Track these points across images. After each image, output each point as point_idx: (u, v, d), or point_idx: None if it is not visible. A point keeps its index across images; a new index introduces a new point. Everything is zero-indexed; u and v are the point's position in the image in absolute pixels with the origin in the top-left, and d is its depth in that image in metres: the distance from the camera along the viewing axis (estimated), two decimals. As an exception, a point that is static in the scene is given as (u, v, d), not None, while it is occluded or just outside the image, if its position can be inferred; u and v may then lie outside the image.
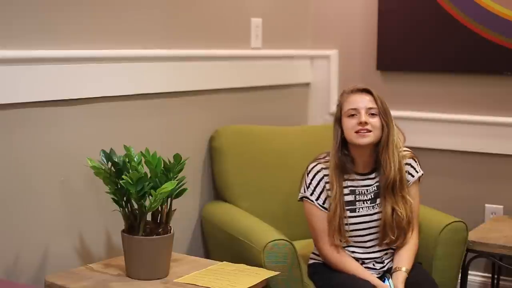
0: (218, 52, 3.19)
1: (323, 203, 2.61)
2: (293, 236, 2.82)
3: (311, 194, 2.62)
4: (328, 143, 2.74)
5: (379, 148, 2.58)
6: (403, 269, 2.55)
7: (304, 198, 2.65)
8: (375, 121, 2.55)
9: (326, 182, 2.61)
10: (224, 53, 3.22)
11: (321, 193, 2.61)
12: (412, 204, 2.62)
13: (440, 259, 2.78)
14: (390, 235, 2.59)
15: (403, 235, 2.60)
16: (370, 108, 2.56)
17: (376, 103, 2.57)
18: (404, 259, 2.59)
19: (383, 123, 2.56)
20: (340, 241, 2.58)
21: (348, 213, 2.60)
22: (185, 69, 3.01)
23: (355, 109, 2.56)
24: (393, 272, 2.57)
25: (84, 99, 2.58)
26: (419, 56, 3.52)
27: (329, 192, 2.60)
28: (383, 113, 2.57)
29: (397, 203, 2.59)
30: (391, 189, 2.58)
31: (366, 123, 2.53)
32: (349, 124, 2.56)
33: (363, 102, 2.56)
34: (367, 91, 2.59)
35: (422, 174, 2.69)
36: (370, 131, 2.54)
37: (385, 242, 2.61)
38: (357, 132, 2.54)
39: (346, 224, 2.59)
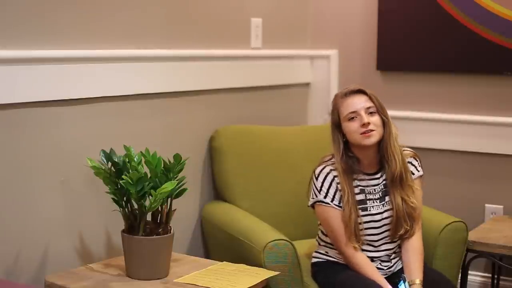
0: (218, 52, 3.18)
1: (339, 202, 2.60)
2: (293, 236, 2.82)
3: (325, 197, 2.60)
4: (328, 143, 2.74)
5: (383, 144, 2.58)
6: (417, 281, 2.54)
7: (317, 203, 2.62)
8: (376, 119, 2.56)
9: (338, 183, 2.60)
10: (224, 53, 3.22)
11: (335, 193, 2.60)
12: (420, 194, 2.64)
13: (440, 259, 2.79)
14: (404, 225, 2.59)
15: (414, 225, 2.61)
16: (369, 108, 2.56)
17: (373, 101, 2.57)
18: (416, 269, 2.57)
19: (383, 119, 2.57)
20: (358, 241, 2.57)
21: (361, 212, 2.60)
22: (185, 69, 3.01)
23: (354, 111, 2.56)
24: (410, 286, 2.56)
25: (84, 99, 2.58)
26: (419, 56, 3.52)
27: (341, 192, 2.59)
28: (381, 110, 2.58)
29: (407, 193, 2.60)
30: (399, 181, 2.59)
31: (368, 123, 2.54)
32: (352, 128, 2.56)
33: (360, 103, 2.56)
34: (361, 91, 2.59)
35: (422, 175, 2.70)
36: (373, 130, 2.55)
37: (399, 234, 2.61)
38: (361, 133, 2.55)
39: (360, 223, 2.59)
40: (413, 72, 3.57)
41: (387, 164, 2.59)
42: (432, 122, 3.51)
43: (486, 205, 3.43)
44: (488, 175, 3.42)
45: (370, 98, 2.58)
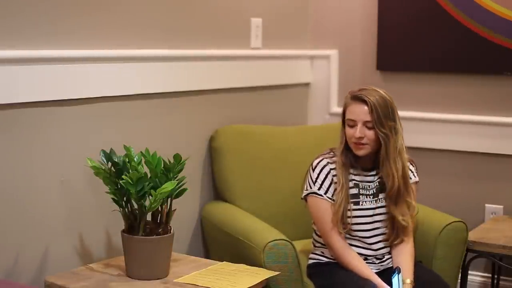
0: (218, 52, 3.19)
1: (332, 195, 2.62)
2: (293, 236, 2.82)
3: (319, 189, 2.62)
4: (328, 143, 2.77)
5: (380, 159, 2.58)
6: (408, 281, 2.55)
7: (310, 194, 2.64)
8: (371, 133, 2.55)
9: (334, 175, 2.62)
10: (224, 53, 3.22)
11: (329, 186, 2.62)
12: (416, 209, 2.64)
13: (440, 259, 2.79)
14: (401, 236, 2.63)
15: (406, 235, 2.64)
16: (366, 121, 2.55)
17: (372, 115, 2.53)
18: (407, 269, 2.58)
19: (380, 135, 2.54)
20: (344, 228, 2.59)
21: (352, 206, 2.62)
22: (185, 69, 3.01)
23: (353, 120, 2.57)
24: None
25: (84, 99, 2.58)
26: (419, 56, 3.52)
27: (336, 185, 2.61)
28: (380, 125, 2.53)
29: (401, 211, 2.60)
30: (394, 198, 2.60)
31: (361, 137, 2.54)
32: (348, 133, 2.59)
33: (360, 114, 2.55)
34: (364, 101, 2.54)
35: (418, 181, 2.70)
36: (365, 144, 2.56)
37: (395, 243, 2.64)
38: (354, 143, 2.56)
39: (349, 217, 2.60)
40: (413, 72, 3.57)
41: (384, 180, 2.60)
42: (432, 122, 3.51)
43: (486, 205, 3.43)
44: (488, 175, 3.42)
45: (371, 112, 2.53)
